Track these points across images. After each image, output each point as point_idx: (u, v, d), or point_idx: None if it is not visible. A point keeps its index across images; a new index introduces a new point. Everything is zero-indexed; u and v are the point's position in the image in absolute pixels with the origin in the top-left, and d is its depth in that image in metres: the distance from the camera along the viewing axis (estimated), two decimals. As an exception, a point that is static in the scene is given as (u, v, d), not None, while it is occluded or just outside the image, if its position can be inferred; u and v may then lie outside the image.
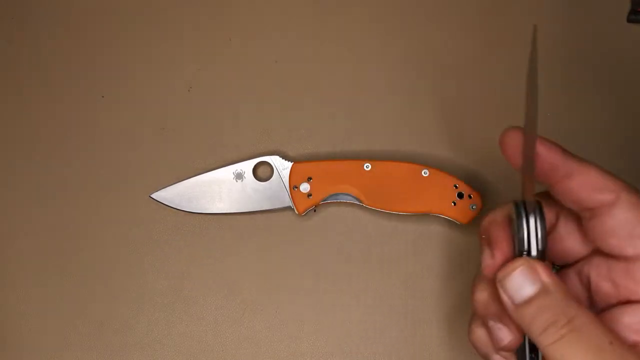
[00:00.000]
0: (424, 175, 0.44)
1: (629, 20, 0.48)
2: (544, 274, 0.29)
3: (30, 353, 0.44)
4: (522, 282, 0.29)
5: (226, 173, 0.45)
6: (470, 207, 0.43)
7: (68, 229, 0.46)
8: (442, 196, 0.44)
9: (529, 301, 0.29)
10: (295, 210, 0.44)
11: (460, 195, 0.44)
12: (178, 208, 0.45)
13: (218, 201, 0.45)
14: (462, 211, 0.43)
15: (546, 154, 0.31)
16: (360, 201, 0.44)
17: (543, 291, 0.29)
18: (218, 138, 0.47)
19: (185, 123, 0.48)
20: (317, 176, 0.44)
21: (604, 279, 0.32)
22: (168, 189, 0.45)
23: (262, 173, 0.46)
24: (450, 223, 0.45)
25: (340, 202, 0.45)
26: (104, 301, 0.45)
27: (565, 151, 0.31)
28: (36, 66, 0.49)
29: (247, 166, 0.45)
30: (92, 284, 0.45)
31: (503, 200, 0.45)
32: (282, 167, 0.45)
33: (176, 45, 0.49)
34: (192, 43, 0.49)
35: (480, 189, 0.45)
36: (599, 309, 0.32)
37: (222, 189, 0.45)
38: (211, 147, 0.47)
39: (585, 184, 0.30)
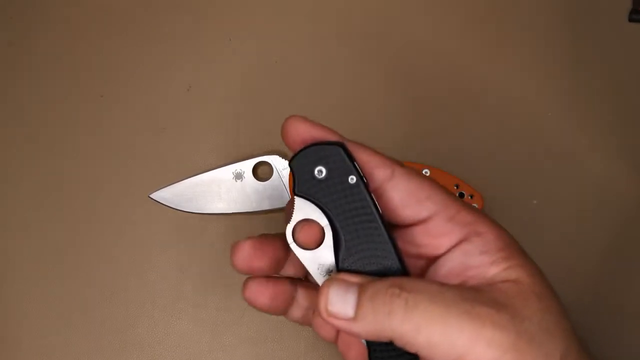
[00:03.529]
0: (425, 175, 0.44)
1: (630, 20, 0.48)
2: (352, 277, 0.29)
3: (30, 353, 0.44)
4: (341, 296, 0.28)
5: (226, 173, 0.45)
6: (471, 207, 0.43)
7: (68, 228, 0.46)
8: (443, 196, 0.43)
9: (360, 304, 0.28)
10: (295, 210, 0.44)
11: (461, 195, 0.44)
12: (178, 208, 0.45)
13: (218, 201, 0.45)
14: (462, 211, 0.43)
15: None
16: (361, 201, 0.44)
17: (362, 289, 0.28)
18: (218, 138, 0.47)
19: (185, 123, 0.48)
20: (317, 176, 0.44)
21: (409, 246, 0.31)
22: (167, 188, 0.45)
23: (262, 173, 0.46)
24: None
25: (340, 202, 0.45)
26: (104, 301, 0.44)
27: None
28: (36, 66, 0.49)
29: (247, 166, 0.45)
30: (92, 284, 0.45)
31: (503, 199, 0.46)
32: (282, 166, 0.45)
33: (176, 45, 0.49)
34: (192, 43, 0.49)
35: (481, 189, 0.45)
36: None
37: (222, 189, 0.45)
38: (211, 147, 0.47)
39: (362, 164, 0.30)
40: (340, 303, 0.28)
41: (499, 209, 0.45)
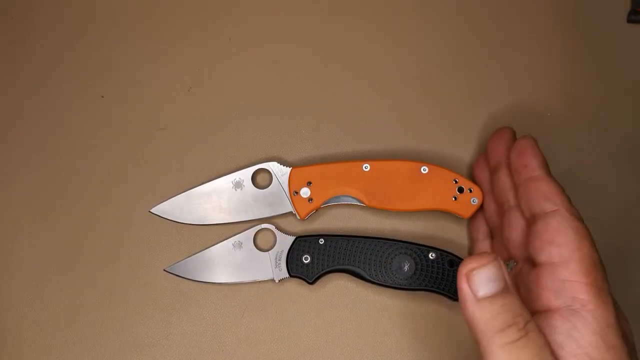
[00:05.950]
0: (423, 172, 0.44)
1: (629, 21, 0.48)
2: (507, 273, 0.30)
3: (30, 353, 0.44)
4: (490, 278, 0.29)
5: (225, 183, 0.45)
6: (471, 200, 0.43)
7: (68, 228, 0.46)
8: (443, 191, 0.43)
9: (493, 297, 0.29)
10: (297, 216, 0.44)
11: (460, 190, 0.43)
12: (179, 221, 0.45)
13: (219, 211, 0.44)
14: (463, 205, 0.43)
15: None
16: (361, 202, 0.44)
17: (506, 290, 0.29)
18: (218, 137, 0.47)
19: (185, 123, 0.48)
20: (317, 180, 0.44)
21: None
22: (167, 202, 0.45)
23: (261, 180, 0.45)
24: (452, 218, 0.45)
25: (342, 204, 0.45)
26: (104, 301, 0.45)
27: None
28: (36, 66, 0.49)
29: (246, 174, 0.45)
30: (92, 284, 0.45)
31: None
32: (280, 173, 0.44)
33: (176, 45, 0.49)
34: (192, 43, 0.49)
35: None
36: None
37: (222, 199, 0.44)
38: (211, 146, 0.47)
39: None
40: (485, 280, 0.29)
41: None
